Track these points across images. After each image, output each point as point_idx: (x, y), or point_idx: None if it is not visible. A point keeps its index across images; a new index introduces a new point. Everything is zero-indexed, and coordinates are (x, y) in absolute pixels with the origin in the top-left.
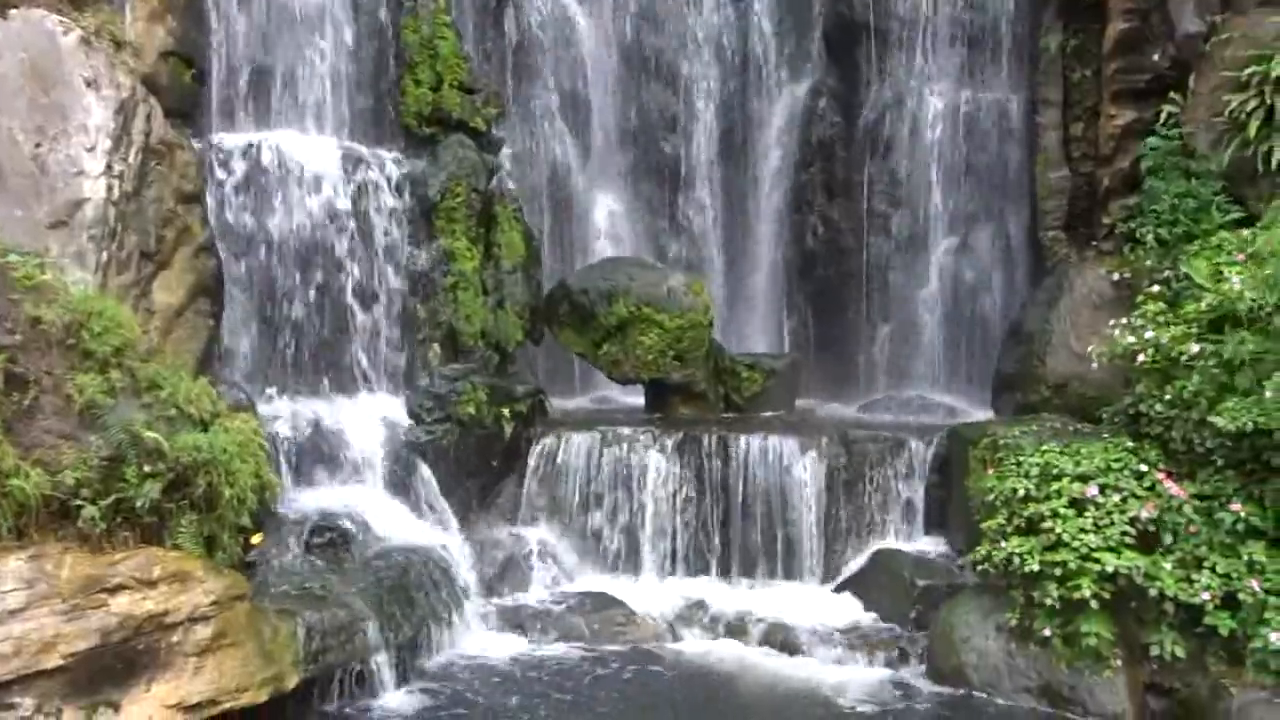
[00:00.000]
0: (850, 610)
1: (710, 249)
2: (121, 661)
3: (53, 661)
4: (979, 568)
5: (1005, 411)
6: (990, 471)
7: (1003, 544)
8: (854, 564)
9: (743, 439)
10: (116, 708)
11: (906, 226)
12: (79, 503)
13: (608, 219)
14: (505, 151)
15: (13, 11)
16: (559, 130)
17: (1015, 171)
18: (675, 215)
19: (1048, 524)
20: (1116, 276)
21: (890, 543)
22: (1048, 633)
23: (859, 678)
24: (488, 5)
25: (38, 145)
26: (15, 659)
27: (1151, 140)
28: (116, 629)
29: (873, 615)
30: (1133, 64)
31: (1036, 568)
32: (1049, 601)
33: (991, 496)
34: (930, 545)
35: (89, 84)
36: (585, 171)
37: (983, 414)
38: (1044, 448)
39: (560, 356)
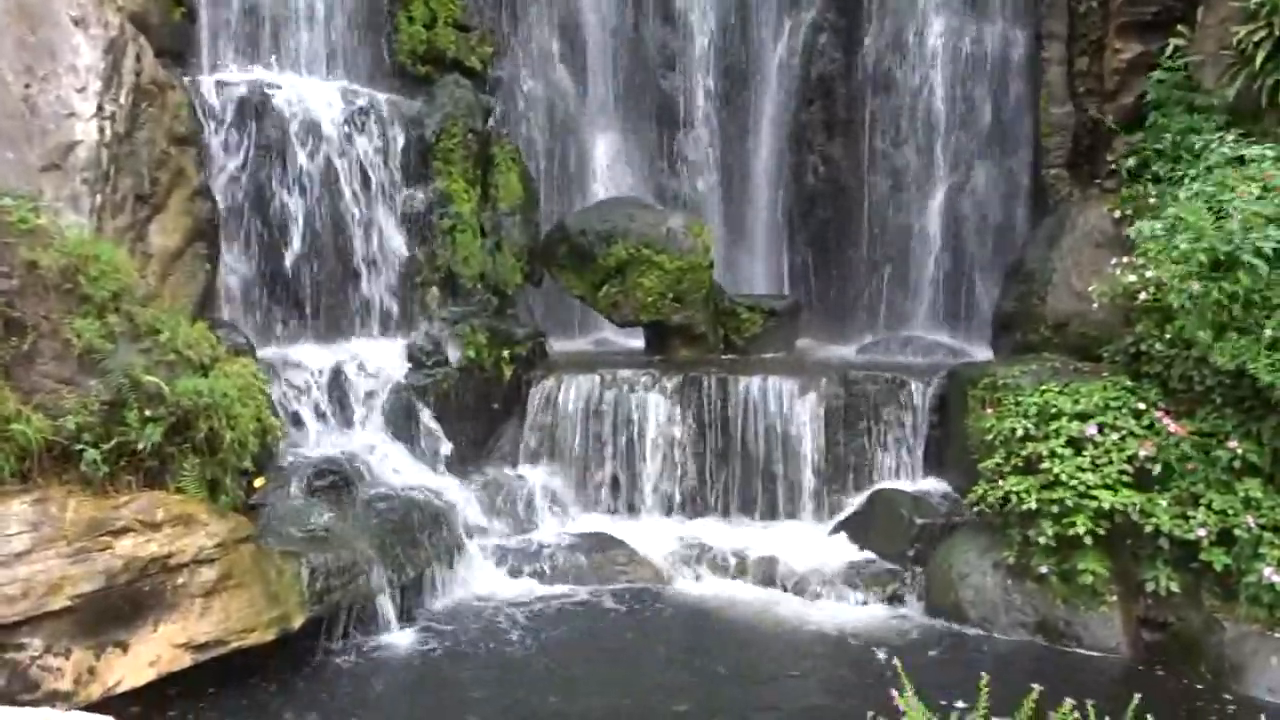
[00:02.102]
0: (849, 549)
1: (710, 189)
2: (128, 603)
3: (60, 603)
4: (976, 507)
5: (1005, 351)
6: (989, 411)
7: (1000, 483)
8: (853, 504)
9: (742, 380)
10: (125, 648)
11: (908, 165)
12: (81, 447)
13: (606, 159)
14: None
15: None
16: (556, 69)
17: (1018, 108)
18: (674, 155)
19: (1046, 463)
20: (1118, 214)
21: (889, 483)
22: (1044, 569)
23: (857, 614)
24: None
25: (27, 86)
26: (23, 601)
27: (1157, 74)
28: (122, 571)
29: (871, 554)
30: None
31: (1034, 506)
32: (1045, 539)
33: (990, 436)
34: (929, 485)
35: (77, 22)
36: (583, 111)
37: (982, 354)
38: (1043, 387)
39: (559, 299)
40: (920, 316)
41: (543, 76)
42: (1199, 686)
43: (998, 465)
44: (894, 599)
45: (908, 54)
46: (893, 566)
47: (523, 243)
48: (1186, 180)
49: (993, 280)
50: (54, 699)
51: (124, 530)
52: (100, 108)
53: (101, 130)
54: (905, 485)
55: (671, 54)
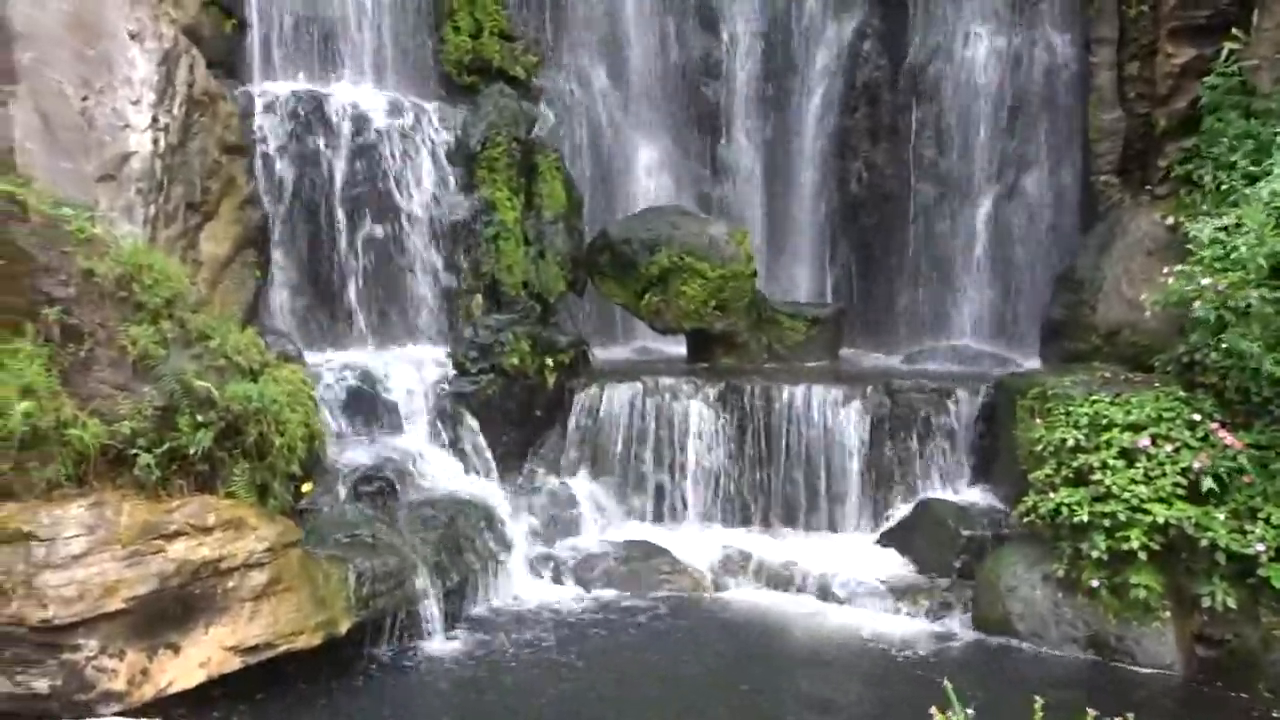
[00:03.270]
0: (894, 560)
1: (752, 196)
2: (180, 606)
3: (114, 605)
4: (1026, 519)
5: (1053, 361)
6: (1039, 421)
7: (1050, 495)
8: (898, 514)
9: (785, 389)
10: (176, 650)
11: (953, 172)
12: (135, 451)
13: (649, 167)
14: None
15: None
16: (599, 78)
17: (1067, 114)
18: (717, 162)
19: (1097, 475)
20: (1172, 221)
21: (935, 493)
22: (1095, 583)
23: (903, 627)
24: None
25: (84, 98)
26: (79, 603)
27: (1210, 79)
28: (174, 574)
29: (917, 565)
30: None
31: (1085, 519)
32: (1097, 553)
33: (1040, 447)
34: (976, 496)
35: (133, 36)
36: (626, 119)
37: (1030, 363)
38: (1094, 397)
39: (602, 306)
40: (966, 325)
41: (586, 85)
42: (1257, 705)
43: (1048, 476)
44: (940, 611)
45: (953, 60)
46: (939, 578)
47: (566, 251)
48: (1249, 183)
49: (1041, 288)
50: (108, 699)
51: (176, 534)
52: (154, 119)
53: (155, 141)
54: (951, 496)
55: (714, 62)
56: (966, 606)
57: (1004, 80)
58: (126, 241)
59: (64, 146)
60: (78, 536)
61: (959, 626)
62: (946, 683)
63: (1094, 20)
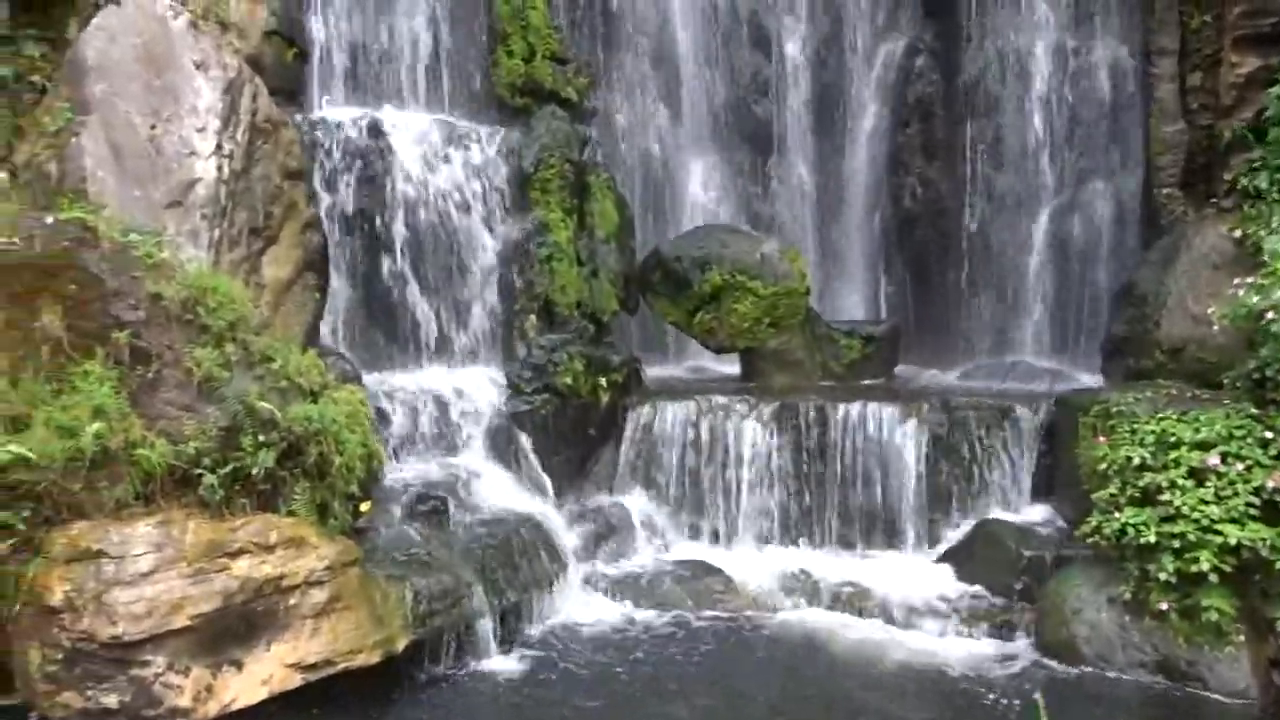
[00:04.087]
0: (953, 581)
1: (804, 214)
2: (243, 623)
3: (181, 622)
4: (1090, 539)
5: (1116, 378)
6: (1102, 440)
7: (1116, 515)
8: (957, 534)
9: (841, 407)
10: (240, 666)
11: (1010, 187)
12: (200, 471)
13: (700, 186)
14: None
15: None
16: (650, 98)
17: (1126, 127)
18: (768, 180)
19: (1165, 495)
20: (1239, 234)
21: (995, 513)
22: (1164, 606)
23: (964, 649)
24: None
25: (153, 127)
26: (147, 619)
27: (1277, 89)
28: (238, 591)
29: (976, 586)
30: (1257, 7)
31: (1152, 539)
32: (1165, 575)
33: (1104, 466)
34: (1037, 515)
35: (198, 66)
36: (677, 138)
37: (1091, 380)
38: (1160, 415)
39: (654, 325)
40: (1025, 341)
41: (637, 105)
42: None
43: (1112, 496)
44: (1001, 633)
45: (1009, 74)
46: (1000, 600)
47: (618, 270)
48: None
49: (1102, 304)
50: (174, 715)
51: (240, 552)
52: (219, 146)
53: (220, 168)
54: (1012, 516)
55: (764, 80)
56: (1030, 629)
57: (1061, 94)
58: (192, 266)
59: (133, 174)
60: (146, 554)
61: (1022, 649)
62: (1038, 696)
63: (1154, 31)
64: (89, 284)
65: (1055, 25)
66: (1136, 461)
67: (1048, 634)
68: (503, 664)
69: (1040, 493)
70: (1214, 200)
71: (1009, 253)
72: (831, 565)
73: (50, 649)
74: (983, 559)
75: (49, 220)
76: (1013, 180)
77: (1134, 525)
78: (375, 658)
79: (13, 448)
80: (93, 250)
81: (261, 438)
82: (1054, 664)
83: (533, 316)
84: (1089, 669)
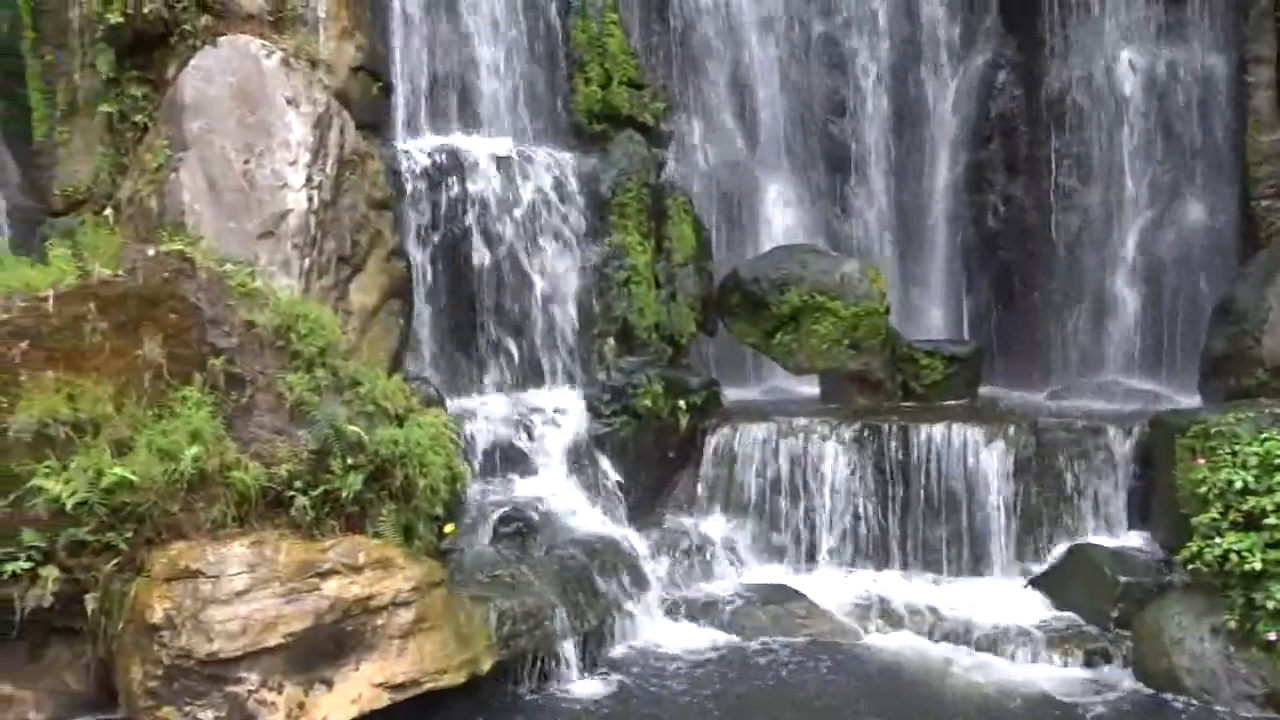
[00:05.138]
0: (1043, 608)
1: (884, 233)
2: (333, 642)
3: (274, 640)
4: (1190, 566)
5: (1214, 397)
6: (1201, 462)
7: (1217, 540)
8: (1047, 559)
9: (924, 428)
10: (330, 685)
11: (1098, 202)
12: (291, 493)
13: (777, 207)
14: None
15: (221, 39)
16: (726, 120)
17: (1221, 137)
18: (846, 200)
19: (1271, 519)
20: None
21: (1087, 537)
22: (1273, 636)
23: (1057, 678)
24: None
25: (246, 162)
26: (242, 637)
27: None
28: (328, 611)
29: (1069, 613)
30: None
31: (1258, 566)
32: (1273, 603)
33: (1203, 489)
34: (1132, 541)
35: (290, 102)
36: (753, 160)
37: (1188, 400)
38: (1264, 435)
39: (732, 347)
40: (1116, 360)
41: (713, 127)
42: None
43: (1214, 521)
44: (1096, 662)
45: (1095, 87)
46: (1094, 628)
47: (696, 292)
48: None
49: (1197, 321)
50: None
51: (330, 572)
52: (309, 178)
53: (310, 199)
54: (1106, 540)
55: (841, 99)
56: (1127, 657)
57: (1151, 105)
58: (284, 294)
59: (228, 207)
60: (240, 574)
61: (1119, 679)
62: None
63: (1250, 38)
64: (188, 313)
65: (1143, 35)
66: (1239, 485)
67: (1146, 663)
68: (585, 686)
69: (1135, 517)
70: None
71: (1097, 269)
72: (916, 590)
73: (151, 665)
74: (1076, 585)
75: (151, 252)
76: (1100, 195)
77: (1238, 551)
78: (460, 678)
79: (118, 470)
80: (191, 280)
81: (350, 461)
82: (1153, 694)
83: (611, 339)
84: (1193, 701)
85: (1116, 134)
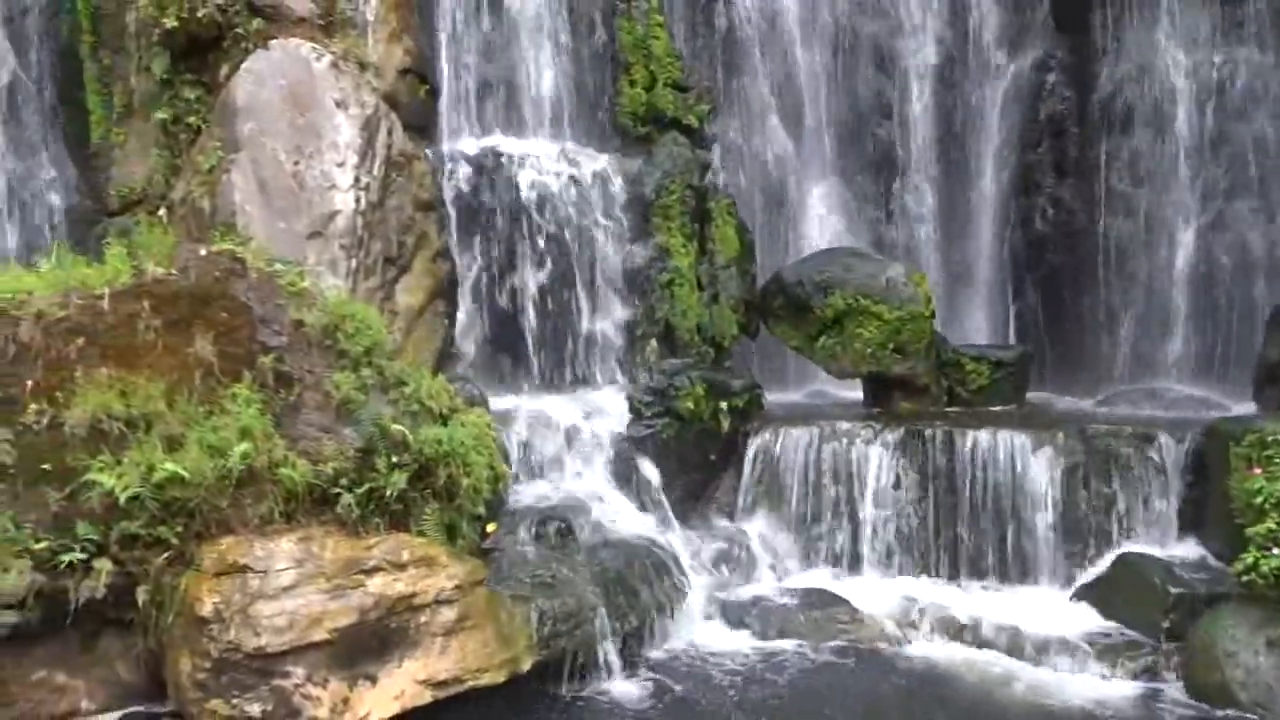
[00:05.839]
0: (1091, 618)
1: (929, 237)
2: (376, 639)
3: (320, 635)
4: (1244, 577)
5: (1270, 404)
6: (1257, 471)
7: (1274, 551)
8: (1095, 569)
9: (970, 434)
10: (374, 680)
11: (1150, 204)
12: (337, 490)
13: (821, 210)
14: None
15: (273, 42)
16: (770, 122)
17: (1277, 139)
18: (891, 203)
19: None
20: None
21: (1138, 547)
22: None
23: (1106, 690)
24: (698, 0)
25: (296, 163)
26: (289, 632)
27: None
28: (373, 608)
29: (1117, 624)
30: None
31: None
32: None
33: (1259, 499)
34: (1184, 551)
35: (339, 104)
36: (798, 162)
37: (1242, 408)
38: None
39: (774, 350)
40: (1168, 366)
41: (758, 129)
42: None
43: (1270, 531)
44: (1146, 675)
45: (1148, 87)
46: (1143, 639)
47: (739, 295)
48: None
49: (1253, 327)
50: None
51: (375, 569)
52: (357, 179)
53: (358, 200)
54: (1156, 550)
55: (887, 101)
56: (1177, 671)
57: (1206, 106)
58: (331, 293)
59: (278, 208)
60: (288, 569)
61: (1170, 691)
62: None
63: None
64: (238, 312)
65: (1198, 35)
66: None
67: (1198, 676)
68: (624, 687)
69: (1187, 527)
70: None
71: (1149, 273)
72: (960, 598)
73: (199, 658)
74: (1125, 595)
75: (203, 252)
76: (1153, 198)
77: None
78: (501, 677)
79: (169, 466)
80: (242, 280)
81: (395, 459)
82: (1205, 708)
83: (654, 341)
84: (1246, 716)
85: (1170, 135)
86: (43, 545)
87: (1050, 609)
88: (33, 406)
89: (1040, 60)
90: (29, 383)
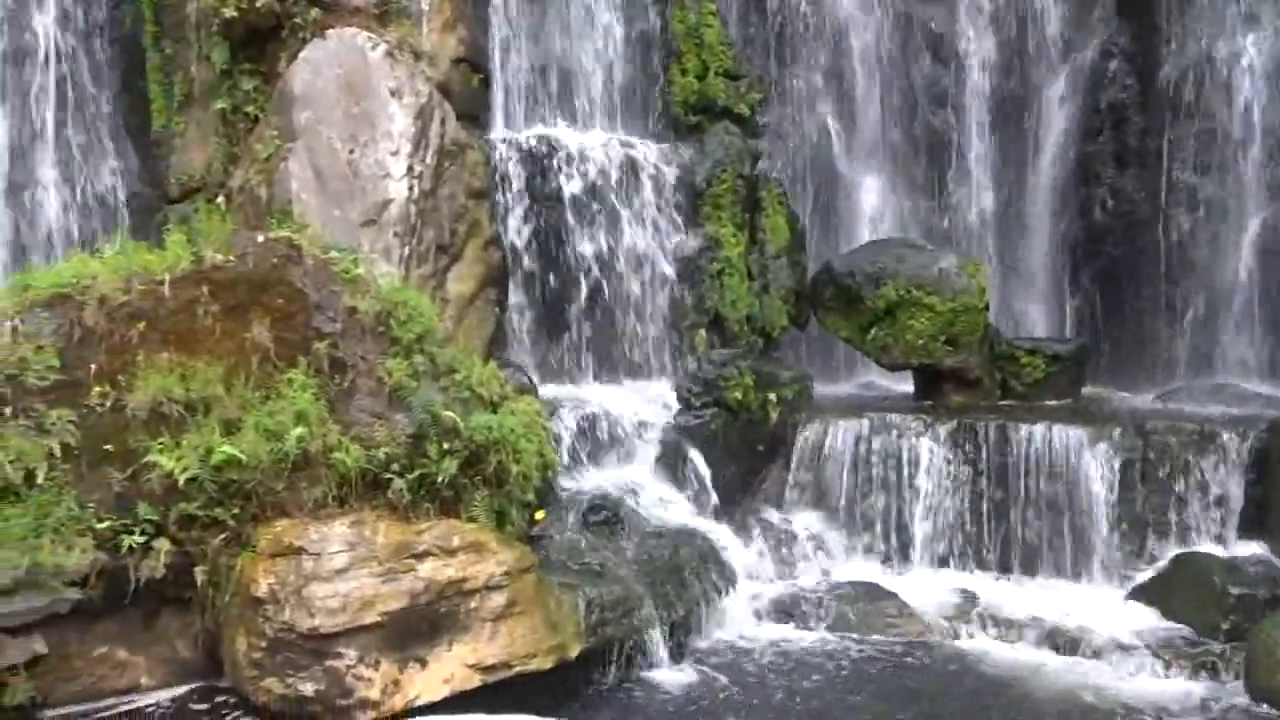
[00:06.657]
0: (1147, 616)
1: (984, 227)
2: (426, 623)
3: (371, 618)
4: None
5: None
6: None
7: None
8: (1152, 567)
9: (1024, 428)
10: (424, 664)
11: (1215, 195)
12: (389, 475)
13: (874, 199)
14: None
15: (329, 31)
16: (822, 111)
17: None
18: (945, 193)
19: None
20: None
21: (1197, 546)
22: None
23: (1162, 690)
24: None
25: (351, 152)
26: (342, 614)
27: None
28: (423, 592)
29: (1174, 624)
30: None
31: None
32: None
33: None
34: (1246, 551)
35: (393, 93)
36: (850, 152)
37: None
38: None
39: (824, 342)
40: (1231, 363)
41: (810, 118)
42: None
43: None
44: (1204, 675)
45: (1214, 75)
46: (1202, 640)
47: (789, 285)
48: None
49: None
50: (364, 706)
51: (425, 554)
52: (410, 168)
53: (411, 188)
54: (1216, 549)
55: (942, 90)
56: (1238, 673)
57: (1273, 93)
58: (385, 281)
59: (333, 195)
60: (341, 552)
61: (1229, 693)
62: None
63: None
64: (294, 298)
65: (1266, 21)
66: None
67: (1260, 679)
68: (671, 676)
69: (1250, 526)
70: None
71: (1213, 266)
72: (1011, 594)
73: (255, 637)
74: (1183, 595)
75: (260, 239)
76: (1217, 188)
77: None
78: (549, 663)
79: (226, 449)
80: (298, 266)
81: (446, 445)
82: (1266, 710)
83: (703, 331)
84: None
85: (1236, 124)
86: (105, 525)
87: (1105, 607)
88: (96, 389)
89: (1102, 47)
90: (93, 366)
